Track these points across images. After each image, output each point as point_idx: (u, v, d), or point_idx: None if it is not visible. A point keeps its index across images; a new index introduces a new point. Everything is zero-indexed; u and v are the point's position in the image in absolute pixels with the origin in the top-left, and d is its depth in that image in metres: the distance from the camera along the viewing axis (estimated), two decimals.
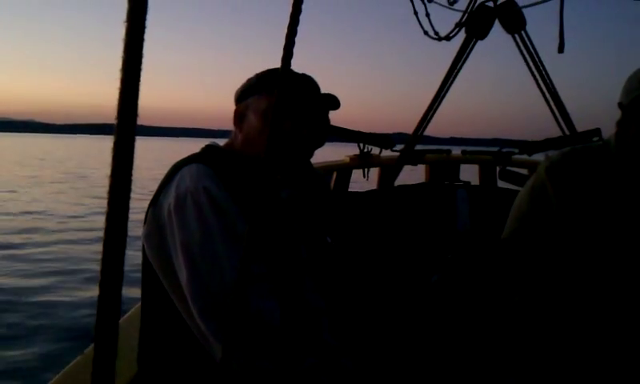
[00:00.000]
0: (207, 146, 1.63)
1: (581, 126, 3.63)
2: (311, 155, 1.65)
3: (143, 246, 1.50)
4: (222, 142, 1.68)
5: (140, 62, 0.34)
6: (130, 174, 0.36)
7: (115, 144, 0.34)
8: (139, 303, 1.81)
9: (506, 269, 1.85)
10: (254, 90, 1.61)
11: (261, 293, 1.36)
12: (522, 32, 3.50)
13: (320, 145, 1.62)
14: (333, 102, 1.59)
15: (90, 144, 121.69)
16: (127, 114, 0.34)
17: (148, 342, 1.55)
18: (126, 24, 0.33)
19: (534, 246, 1.74)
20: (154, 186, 1.54)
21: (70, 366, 1.70)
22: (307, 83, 1.62)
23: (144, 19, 0.33)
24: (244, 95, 1.62)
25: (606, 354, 1.62)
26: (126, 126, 0.34)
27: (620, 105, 1.64)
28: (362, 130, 3.90)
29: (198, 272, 1.33)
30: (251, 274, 1.30)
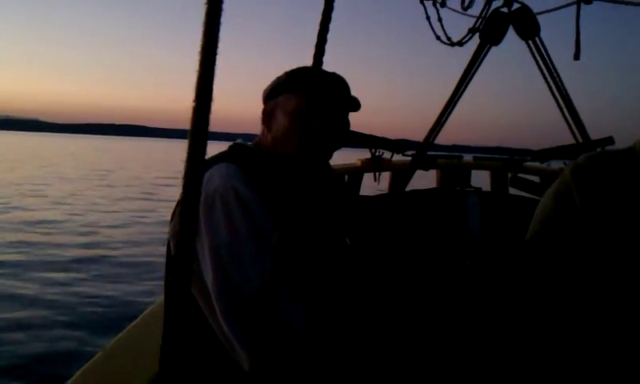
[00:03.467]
0: (235, 145, 1.62)
1: (593, 135, 3.62)
2: (330, 156, 1.64)
3: (168, 244, 1.49)
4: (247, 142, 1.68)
5: (214, 66, 0.34)
6: (201, 176, 0.36)
7: (189, 147, 0.34)
8: (160, 297, 1.81)
9: (529, 271, 1.84)
10: (282, 89, 1.59)
11: (286, 296, 1.36)
12: (536, 38, 3.49)
13: (340, 146, 1.62)
14: (353, 104, 1.59)
15: (90, 143, 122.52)
16: (201, 117, 0.34)
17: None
18: (202, 28, 0.33)
19: (558, 248, 1.73)
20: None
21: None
22: (337, 82, 1.60)
23: (218, 24, 0.33)
24: (273, 93, 1.60)
25: (630, 360, 1.61)
26: (199, 131, 0.34)
27: None
28: (373, 134, 3.90)
29: (224, 274, 1.32)
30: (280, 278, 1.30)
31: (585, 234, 1.65)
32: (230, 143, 1.64)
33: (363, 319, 1.59)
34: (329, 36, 0.47)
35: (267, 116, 1.60)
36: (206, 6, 0.33)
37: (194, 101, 0.34)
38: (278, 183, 1.43)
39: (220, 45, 0.34)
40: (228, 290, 1.32)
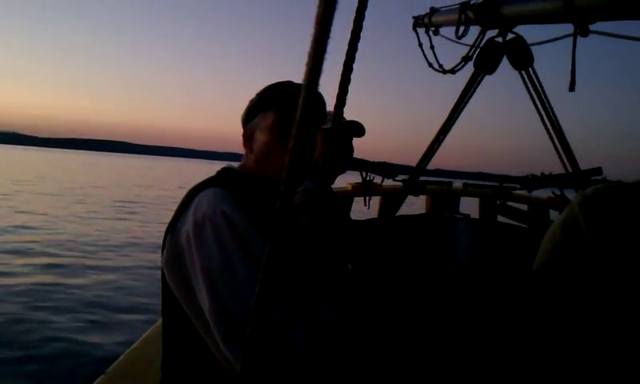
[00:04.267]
0: (222, 169, 1.64)
1: (583, 165, 3.66)
2: (333, 181, 1.65)
3: (162, 272, 1.49)
4: (236, 164, 1.69)
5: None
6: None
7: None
8: (157, 322, 1.79)
9: (536, 300, 1.85)
10: (257, 109, 1.61)
11: (283, 317, 1.35)
12: (530, 69, 3.53)
13: (343, 171, 1.63)
14: (357, 130, 1.60)
15: (74, 159, 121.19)
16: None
17: (171, 367, 1.53)
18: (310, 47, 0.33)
19: (566, 278, 1.75)
20: None
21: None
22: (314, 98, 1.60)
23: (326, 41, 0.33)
24: (249, 116, 1.63)
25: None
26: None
27: None
28: (364, 158, 3.92)
29: (219, 297, 1.32)
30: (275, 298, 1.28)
31: (593, 265, 1.67)
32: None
33: (363, 341, 1.59)
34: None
35: (247, 139, 1.63)
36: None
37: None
38: (264, 203, 1.43)
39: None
40: (225, 315, 1.31)
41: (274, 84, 1.62)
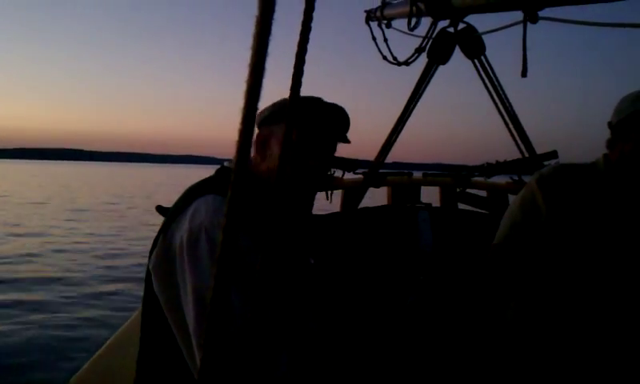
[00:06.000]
0: (222, 169, 1.55)
1: (540, 149, 3.73)
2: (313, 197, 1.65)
3: (148, 273, 1.43)
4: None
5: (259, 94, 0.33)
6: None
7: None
8: (120, 330, 1.76)
9: (498, 273, 1.91)
10: (279, 117, 1.51)
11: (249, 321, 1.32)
12: (482, 57, 3.58)
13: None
14: (344, 137, 1.58)
15: (18, 168, 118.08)
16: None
17: (147, 370, 1.48)
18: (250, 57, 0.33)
19: (524, 251, 1.83)
20: None
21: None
22: (339, 115, 1.54)
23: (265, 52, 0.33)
24: (269, 120, 1.54)
25: (594, 363, 1.68)
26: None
27: (609, 124, 1.75)
28: None
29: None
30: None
31: (549, 238, 1.75)
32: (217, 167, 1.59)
33: (334, 335, 1.59)
34: (270, 54, 0.46)
35: (261, 144, 1.53)
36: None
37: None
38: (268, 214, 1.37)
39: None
40: None
41: (304, 97, 1.52)
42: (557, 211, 1.75)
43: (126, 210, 25.18)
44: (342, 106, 1.54)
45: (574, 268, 1.73)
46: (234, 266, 0.49)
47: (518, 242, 1.84)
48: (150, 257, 1.44)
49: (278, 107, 1.54)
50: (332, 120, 1.55)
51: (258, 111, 0.44)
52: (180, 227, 1.36)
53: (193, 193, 1.44)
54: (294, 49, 0.57)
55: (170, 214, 1.43)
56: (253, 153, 1.57)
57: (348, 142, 1.59)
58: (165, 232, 1.40)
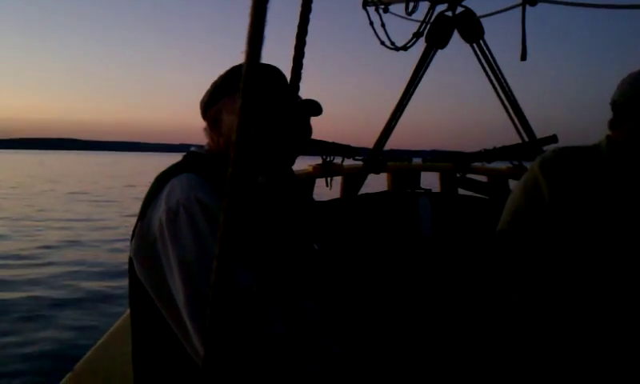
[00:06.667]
0: (190, 154, 1.56)
1: (541, 133, 3.72)
2: (293, 162, 1.61)
3: (130, 262, 1.43)
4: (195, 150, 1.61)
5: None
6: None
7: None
8: (123, 316, 1.75)
9: (502, 260, 1.90)
10: (223, 92, 1.53)
11: (254, 300, 1.31)
12: (480, 41, 3.57)
13: (302, 152, 1.59)
14: (314, 108, 1.56)
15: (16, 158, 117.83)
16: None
17: (141, 360, 1.48)
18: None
19: (528, 237, 1.80)
20: None
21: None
22: (274, 75, 1.53)
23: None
24: (213, 99, 1.54)
25: (598, 348, 1.67)
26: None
27: (614, 104, 1.71)
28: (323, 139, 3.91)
29: (196, 289, 1.25)
30: (242, 283, 1.26)
31: (552, 224, 1.73)
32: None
33: (337, 322, 1.58)
34: (268, 40, 0.45)
35: (213, 122, 1.54)
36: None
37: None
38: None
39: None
40: (202, 307, 1.24)
41: (239, 65, 1.50)
42: (560, 196, 1.73)
43: None
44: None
45: (579, 253, 1.71)
46: (237, 244, 0.48)
47: (521, 228, 1.82)
48: (130, 245, 1.43)
49: (218, 83, 1.55)
50: (272, 80, 1.52)
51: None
52: (157, 209, 1.36)
53: (165, 176, 1.44)
54: (291, 35, 0.57)
55: (145, 200, 1.42)
56: (209, 138, 1.57)
57: (317, 112, 1.56)
58: (142, 218, 1.40)
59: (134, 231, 1.42)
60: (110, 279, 9.08)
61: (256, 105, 1.43)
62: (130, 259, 1.42)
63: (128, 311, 1.72)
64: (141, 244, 1.38)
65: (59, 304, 7.65)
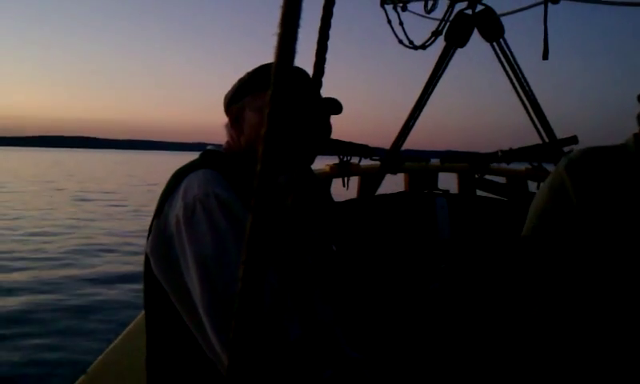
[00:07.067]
0: (207, 152, 1.54)
1: (560, 134, 3.66)
2: (312, 160, 1.59)
3: (146, 259, 1.41)
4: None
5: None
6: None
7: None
8: (138, 318, 1.74)
9: (527, 265, 1.84)
10: (247, 90, 1.52)
11: (275, 302, 1.29)
12: (501, 40, 3.52)
13: (322, 151, 1.57)
14: (335, 107, 1.53)
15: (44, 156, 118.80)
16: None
17: (156, 363, 1.47)
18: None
19: (555, 242, 1.74)
20: None
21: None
22: (298, 74, 1.52)
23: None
24: (237, 96, 1.54)
25: (628, 355, 1.62)
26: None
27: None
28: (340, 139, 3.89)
29: (213, 286, 1.23)
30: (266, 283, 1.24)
31: (580, 228, 1.67)
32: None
33: (354, 325, 1.56)
34: None
35: (235, 119, 1.53)
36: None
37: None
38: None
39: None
40: (219, 304, 1.22)
41: (268, 64, 1.50)
42: (588, 197, 1.66)
43: None
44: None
45: (609, 259, 1.65)
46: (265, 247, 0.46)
47: (548, 233, 1.76)
48: (147, 242, 1.41)
49: (244, 80, 1.54)
50: (296, 78, 1.50)
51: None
52: (174, 206, 1.34)
53: (182, 173, 1.42)
54: (310, 34, 0.56)
55: (162, 197, 1.41)
56: (229, 135, 1.57)
57: (337, 110, 1.54)
58: (159, 215, 1.38)
59: (150, 228, 1.40)
60: None
61: (285, 103, 1.40)
62: (146, 257, 1.41)
63: (142, 313, 1.70)
64: (157, 241, 1.36)
65: None
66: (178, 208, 1.32)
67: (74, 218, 16.59)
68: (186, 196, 1.32)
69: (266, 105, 0.47)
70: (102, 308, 7.44)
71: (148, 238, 1.41)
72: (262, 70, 1.53)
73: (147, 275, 1.42)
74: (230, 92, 1.57)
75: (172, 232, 1.33)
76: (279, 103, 0.47)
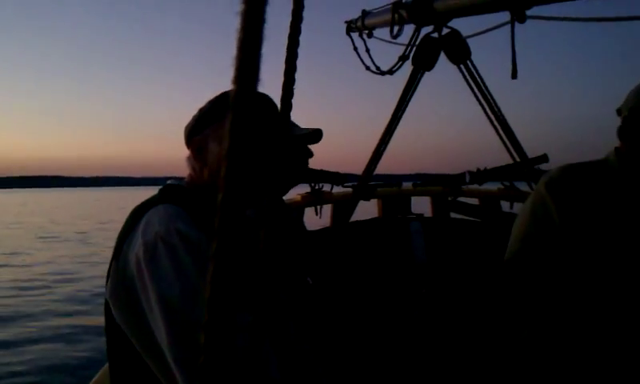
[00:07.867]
0: (167, 186, 1.46)
1: (532, 153, 3.66)
2: (286, 191, 1.52)
3: (106, 305, 1.32)
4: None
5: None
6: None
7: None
8: (103, 369, 1.65)
9: (511, 290, 1.78)
10: (210, 119, 1.44)
11: (251, 342, 1.21)
12: (468, 62, 3.52)
13: (298, 181, 1.51)
14: (314, 136, 1.47)
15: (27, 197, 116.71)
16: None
17: None
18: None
19: (539, 265, 1.69)
20: None
21: None
22: (263, 101, 1.45)
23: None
24: (199, 127, 1.45)
25: (616, 371, 1.57)
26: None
27: (628, 111, 1.62)
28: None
29: (180, 328, 1.14)
30: (237, 324, 1.15)
31: (564, 248, 1.63)
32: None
33: (335, 361, 1.48)
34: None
35: (197, 151, 1.45)
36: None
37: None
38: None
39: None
40: (187, 348, 1.14)
41: (226, 92, 1.43)
42: (571, 216, 1.62)
43: None
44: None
45: (595, 279, 1.60)
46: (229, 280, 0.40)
47: (531, 255, 1.71)
48: (106, 287, 1.32)
49: (205, 110, 1.47)
50: (259, 103, 1.42)
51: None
52: (133, 245, 1.25)
53: (141, 209, 1.34)
54: (278, 62, 0.54)
55: (120, 237, 1.32)
56: (191, 167, 1.48)
57: (316, 139, 1.48)
58: (117, 257, 1.29)
59: (108, 272, 1.31)
60: None
61: (247, 130, 1.33)
62: (106, 302, 1.32)
63: (105, 367, 1.61)
64: (117, 284, 1.27)
65: None
66: (137, 247, 1.23)
67: None
68: (146, 233, 1.24)
69: (225, 132, 0.41)
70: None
71: (107, 283, 1.32)
72: (223, 97, 1.46)
73: (108, 322, 1.33)
74: (190, 123, 1.49)
75: (132, 273, 1.23)
76: (239, 129, 0.42)
